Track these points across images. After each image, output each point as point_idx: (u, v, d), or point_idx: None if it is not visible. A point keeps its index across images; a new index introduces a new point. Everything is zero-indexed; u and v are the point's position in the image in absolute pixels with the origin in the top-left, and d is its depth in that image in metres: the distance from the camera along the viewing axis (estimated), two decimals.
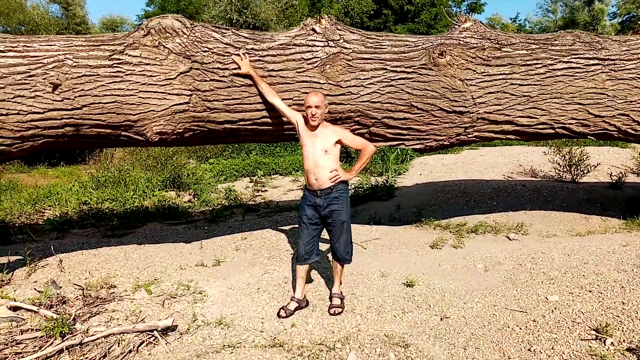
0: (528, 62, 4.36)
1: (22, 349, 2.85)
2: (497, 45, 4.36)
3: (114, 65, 3.64)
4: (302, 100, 3.64)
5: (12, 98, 3.44)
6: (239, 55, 3.82)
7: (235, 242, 5.02)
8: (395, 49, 4.20)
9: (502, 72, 4.31)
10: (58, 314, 3.17)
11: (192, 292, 3.76)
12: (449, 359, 2.79)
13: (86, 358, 2.82)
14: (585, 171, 7.86)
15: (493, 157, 10.44)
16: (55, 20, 21.85)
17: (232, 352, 2.86)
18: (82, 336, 2.96)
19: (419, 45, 4.27)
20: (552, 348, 2.75)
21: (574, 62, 4.44)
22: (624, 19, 29.94)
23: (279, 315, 3.32)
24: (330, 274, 3.74)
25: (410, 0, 22.13)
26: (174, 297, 3.65)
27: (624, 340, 2.73)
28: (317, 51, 4.01)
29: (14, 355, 2.79)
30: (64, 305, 3.43)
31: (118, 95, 3.63)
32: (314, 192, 3.37)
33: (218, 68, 3.79)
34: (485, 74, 4.28)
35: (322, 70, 3.99)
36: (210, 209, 7.15)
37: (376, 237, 5.13)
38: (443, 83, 4.18)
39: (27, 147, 3.59)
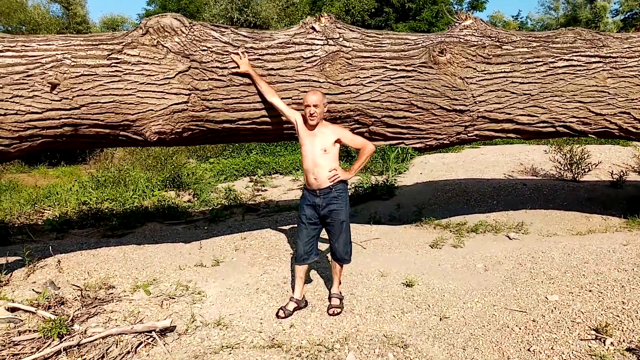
0: (529, 60, 4.33)
1: (20, 350, 2.84)
2: (497, 43, 4.34)
3: (113, 64, 3.63)
4: (302, 99, 3.62)
5: (10, 98, 3.43)
6: (237, 54, 3.80)
7: (235, 242, 5.01)
8: (395, 47, 4.18)
9: (503, 70, 4.29)
10: (56, 315, 3.16)
11: (190, 293, 3.75)
12: (448, 359, 2.77)
13: (84, 359, 2.81)
14: (586, 170, 7.84)
15: (494, 156, 10.41)
16: (56, 19, 21.87)
17: (230, 353, 2.85)
18: (80, 337, 2.96)
19: (419, 44, 4.25)
20: (552, 348, 2.74)
21: (575, 60, 4.41)
22: (626, 16, 29.85)
23: (277, 316, 3.31)
24: (330, 274, 3.72)
25: None
26: (173, 298, 3.64)
27: (623, 340, 2.71)
28: (316, 50, 3.99)
29: (11, 357, 2.78)
30: (62, 306, 3.42)
31: (116, 95, 3.61)
32: (313, 192, 3.35)
33: (217, 67, 3.78)
34: (485, 72, 4.25)
35: (321, 68, 3.97)
36: (210, 208, 7.15)
37: (376, 236, 5.12)
38: (443, 81, 4.16)
39: (25, 147, 3.58)
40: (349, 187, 5.21)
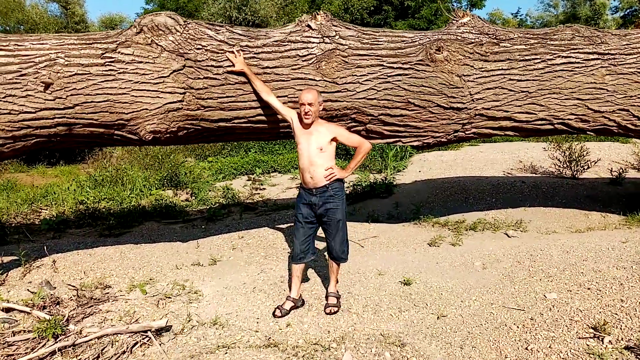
0: (527, 57, 4.31)
1: (14, 350, 2.82)
2: (495, 41, 4.31)
3: (107, 63, 3.60)
4: (297, 97, 3.60)
5: (3, 98, 3.41)
6: (233, 52, 3.78)
7: (232, 241, 5.00)
8: (392, 45, 4.15)
9: (501, 68, 4.26)
10: (51, 315, 3.14)
11: (187, 292, 3.73)
12: (446, 358, 2.75)
13: (79, 359, 2.79)
14: (586, 167, 7.82)
15: (493, 154, 10.40)
16: (54, 19, 21.84)
17: (226, 353, 2.83)
18: (75, 337, 2.94)
19: (415, 41, 4.22)
20: (550, 347, 2.72)
21: (573, 57, 4.38)
22: (626, 13, 29.79)
23: (274, 315, 3.29)
24: (327, 273, 3.70)
25: None
26: (169, 297, 3.62)
27: (622, 339, 2.70)
28: (312, 48, 3.97)
29: (5, 357, 2.76)
30: (57, 306, 3.41)
31: (111, 94, 3.59)
32: (309, 191, 3.33)
33: (212, 66, 3.75)
34: (483, 69, 4.23)
35: (317, 67, 3.95)
36: (208, 207, 7.12)
37: (374, 235, 5.10)
38: (440, 79, 4.14)
39: (19, 147, 3.56)
40: (345, 185, 5.19)
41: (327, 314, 3.31)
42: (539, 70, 4.31)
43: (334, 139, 3.31)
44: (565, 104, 4.39)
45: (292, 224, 5.16)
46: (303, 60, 3.93)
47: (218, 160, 11.17)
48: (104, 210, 6.88)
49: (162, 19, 3.72)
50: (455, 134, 4.42)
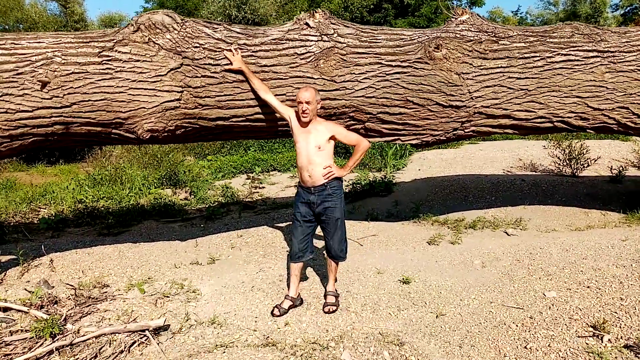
0: (526, 55, 4.29)
1: (11, 350, 2.82)
2: (494, 38, 4.29)
3: (104, 62, 3.58)
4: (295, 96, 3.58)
5: (0, 96, 3.39)
6: (230, 50, 3.76)
7: (231, 239, 4.98)
8: (391, 43, 4.13)
9: (500, 66, 4.24)
10: (49, 315, 3.13)
11: (185, 291, 3.72)
12: (444, 357, 2.75)
13: (77, 359, 2.78)
14: (586, 165, 7.80)
15: (492, 152, 10.38)
16: (53, 17, 21.82)
17: (224, 352, 2.82)
18: (72, 337, 2.93)
19: (414, 39, 4.20)
20: (549, 345, 2.71)
21: (572, 55, 4.36)
22: (626, 10, 29.72)
23: (272, 314, 3.28)
24: (326, 272, 3.69)
25: None
26: (167, 296, 3.61)
27: (621, 337, 2.69)
28: (310, 46, 3.95)
29: (2, 357, 2.75)
30: (55, 306, 3.40)
31: (108, 93, 3.57)
32: (308, 189, 3.32)
33: (209, 64, 3.73)
34: (482, 67, 4.21)
35: (315, 65, 3.93)
36: (207, 206, 7.11)
37: (373, 233, 5.09)
38: (439, 77, 4.12)
39: (16, 146, 3.55)
40: (345, 183, 5.17)
41: (325, 312, 3.30)
42: (538, 68, 4.29)
43: (332, 138, 3.30)
44: (565, 102, 4.37)
45: (291, 223, 5.16)
46: (301, 59, 3.91)
47: (217, 159, 11.16)
48: (102, 209, 6.88)
49: (160, 17, 3.70)
50: (454, 132, 4.40)
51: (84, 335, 2.95)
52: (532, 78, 4.28)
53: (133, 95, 3.60)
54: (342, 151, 10.22)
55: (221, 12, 19.10)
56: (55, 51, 3.53)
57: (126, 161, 10.14)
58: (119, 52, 3.61)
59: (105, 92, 3.56)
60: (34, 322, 3.07)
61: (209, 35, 3.78)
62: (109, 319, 3.26)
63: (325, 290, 3.53)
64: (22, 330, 3.03)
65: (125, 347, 2.86)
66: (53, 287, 3.74)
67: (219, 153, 12.07)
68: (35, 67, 3.46)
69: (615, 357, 2.54)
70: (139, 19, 3.71)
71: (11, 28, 19.07)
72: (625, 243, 4.03)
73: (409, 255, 4.37)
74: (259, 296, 3.59)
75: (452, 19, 4.44)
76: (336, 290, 3.49)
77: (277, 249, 4.69)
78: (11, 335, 2.97)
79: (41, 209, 7.09)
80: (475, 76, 4.20)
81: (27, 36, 3.65)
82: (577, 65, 4.36)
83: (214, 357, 2.77)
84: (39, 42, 3.56)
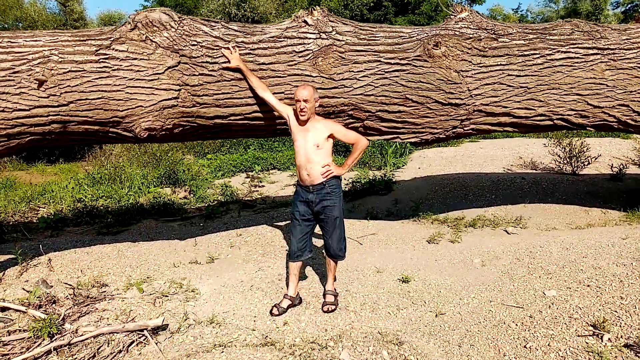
0: (525, 53, 4.26)
1: (9, 350, 2.80)
2: (493, 36, 4.27)
3: (101, 60, 3.56)
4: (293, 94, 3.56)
5: None
6: (228, 48, 3.74)
7: (230, 238, 4.97)
8: (389, 41, 4.11)
9: (499, 63, 4.22)
10: (47, 314, 3.12)
11: (184, 291, 3.71)
12: (444, 356, 2.73)
13: (75, 358, 2.77)
14: (586, 163, 7.78)
15: (493, 150, 10.35)
16: (52, 16, 21.78)
17: (222, 352, 2.81)
18: (70, 336, 2.92)
19: (413, 37, 4.18)
20: (549, 345, 2.69)
21: (572, 52, 4.34)
22: (627, 8, 29.63)
23: (271, 313, 3.27)
24: (325, 271, 3.68)
25: None
26: (166, 296, 3.60)
27: (621, 336, 2.67)
28: (309, 43, 3.93)
29: (0, 357, 2.74)
30: (53, 305, 3.39)
31: (105, 91, 3.55)
32: (306, 188, 3.30)
33: (207, 62, 3.71)
34: (481, 65, 4.19)
35: (314, 63, 3.91)
36: (206, 205, 7.10)
37: (372, 232, 5.07)
38: (438, 75, 4.10)
39: (13, 144, 3.53)
40: (344, 182, 5.15)
41: (324, 312, 3.29)
42: (538, 65, 4.27)
43: (330, 136, 3.28)
44: (565, 100, 4.35)
45: (290, 222, 5.15)
46: (299, 57, 3.89)
47: (217, 158, 11.13)
48: (101, 208, 6.86)
49: (157, 15, 3.68)
50: (454, 130, 4.38)
51: (82, 335, 2.94)
52: (532, 76, 4.26)
53: (130, 93, 3.58)
54: (342, 149, 10.19)
55: (221, 10, 19.07)
56: (52, 49, 3.51)
57: (125, 160, 10.12)
58: (116, 50, 3.59)
59: (102, 91, 3.54)
60: (32, 321, 3.06)
61: (206, 33, 3.76)
62: (108, 318, 3.25)
63: (324, 289, 3.51)
64: (20, 330, 3.02)
65: (123, 347, 2.85)
66: (51, 286, 3.73)
67: (218, 152, 12.04)
68: (32, 66, 3.44)
69: (615, 357, 2.52)
70: (136, 17, 3.69)
71: (10, 26, 19.04)
72: (626, 241, 4.01)
73: (408, 254, 4.36)
74: (257, 295, 3.58)
75: (452, 17, 4.42)
76: (335, 290, 3.48)
77: (276, 248, 4.68)
78: (9, 335, 2.96)
79: (40, 208, 7.08)
80: (475, 74, 4.18)
81: (23, 34, 3.63)
82: (577, 62, 4.33)
83: (213, 356, 2.76)
84: (36, 40, 3.54)
